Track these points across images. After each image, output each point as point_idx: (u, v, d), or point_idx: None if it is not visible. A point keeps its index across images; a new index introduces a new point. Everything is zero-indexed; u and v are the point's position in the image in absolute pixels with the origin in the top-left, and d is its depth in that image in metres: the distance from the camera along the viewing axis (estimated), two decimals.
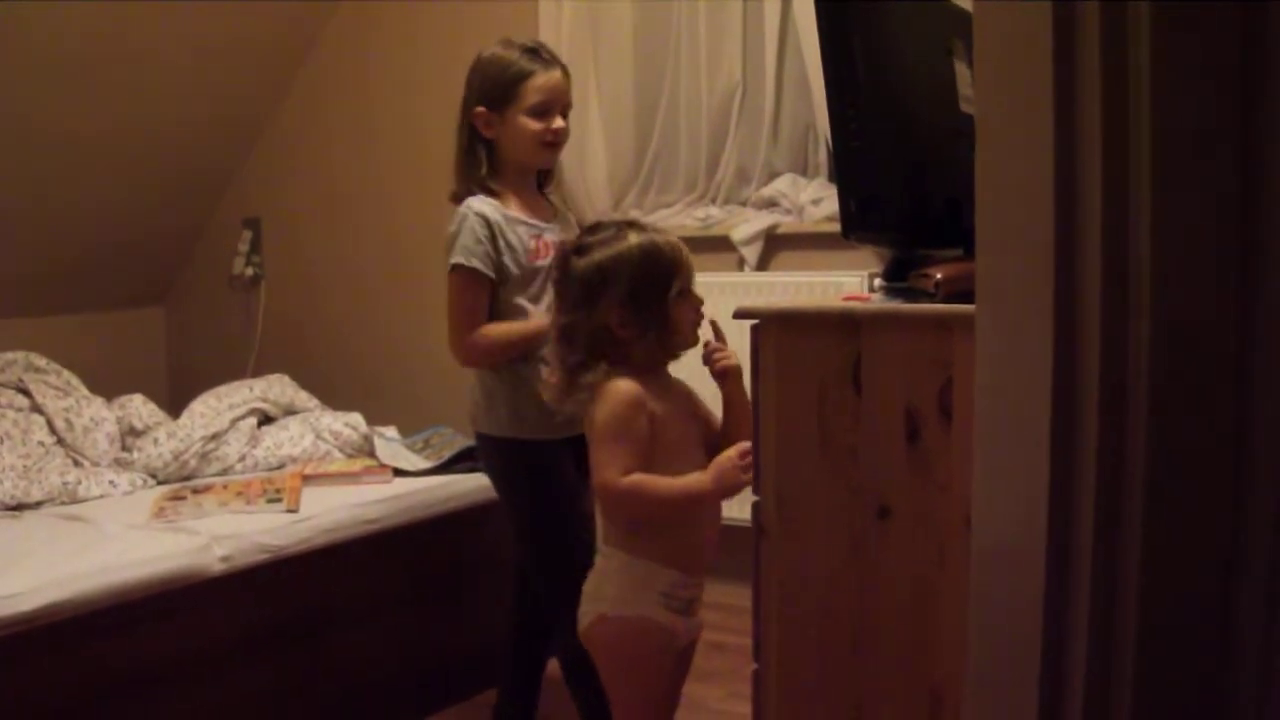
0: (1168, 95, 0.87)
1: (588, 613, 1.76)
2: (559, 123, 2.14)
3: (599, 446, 1.69)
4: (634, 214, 3.45)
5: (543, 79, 2.12)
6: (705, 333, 1.81)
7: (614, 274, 1.70)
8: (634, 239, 1.73)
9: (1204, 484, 0.91)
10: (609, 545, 1.76)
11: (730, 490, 1.68)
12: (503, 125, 2.13)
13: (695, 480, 1.70)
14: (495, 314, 2.12)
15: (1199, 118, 0.88)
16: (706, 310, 1.79)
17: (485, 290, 2.10)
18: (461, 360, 2.15)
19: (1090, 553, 0.90)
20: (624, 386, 1.69)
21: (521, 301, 2.13)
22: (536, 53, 2.15)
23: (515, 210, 2.14)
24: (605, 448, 1.68)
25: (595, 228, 1.81)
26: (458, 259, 2.08)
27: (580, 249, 1.76)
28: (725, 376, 1.82)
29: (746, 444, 1.62)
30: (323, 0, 3.98)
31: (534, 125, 2.11)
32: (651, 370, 1.76)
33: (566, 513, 2.11)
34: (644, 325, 1.71)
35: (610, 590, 1.73)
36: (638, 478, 1.67)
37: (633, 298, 1.70)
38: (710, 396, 1.87)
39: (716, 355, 1.82)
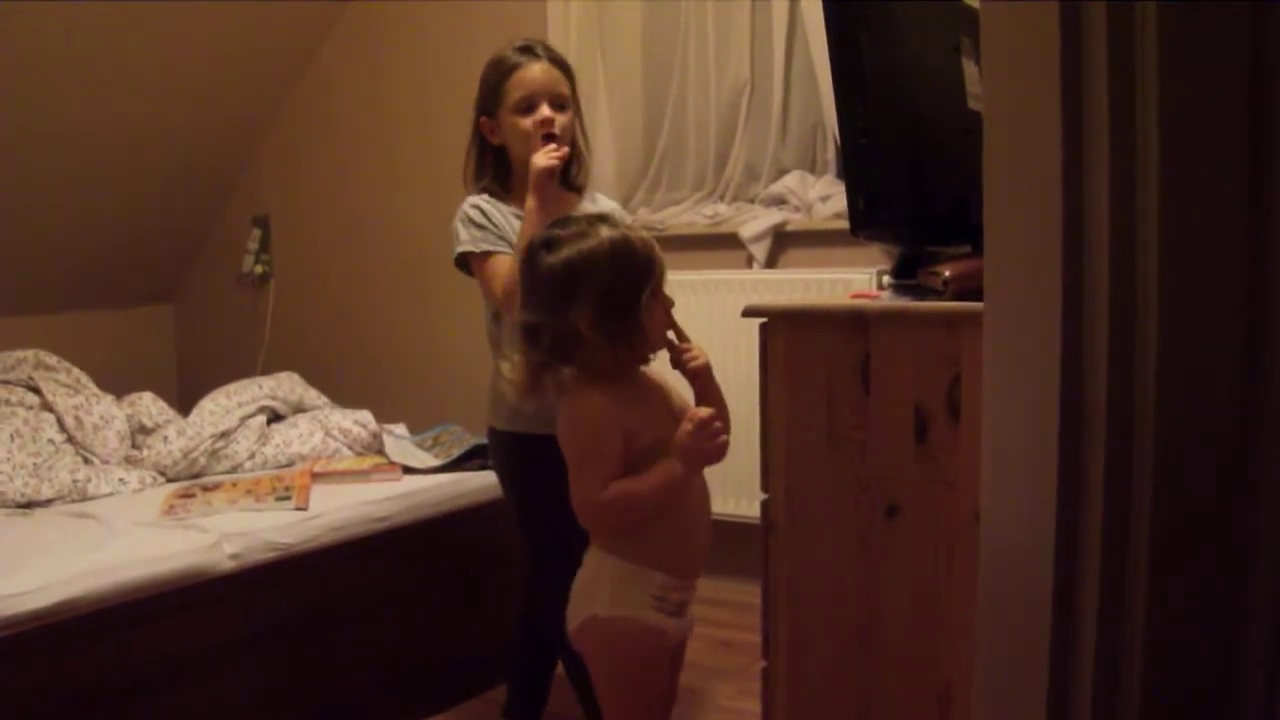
0: (1175, 93, 0.86)
1: (578, 613, 1.71)
2: (544, 113, 2.06)
3: (575, 467, 1.63)
4: (642, 211, 3.45)
5: (520, 73, 2.07)
6: (669, 334, 1.72)
7: (585, 273, 1.58)
8: (606, 234, 1.61)
9: (1213, 480, 0.91)
10: (600, 549, 1.71)
11: (699, 459, 1.61)
12: (500, 129, 2.10)
13: (664, 467, 1.61)
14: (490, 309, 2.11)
15: (1206, 115, 0.88)
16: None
17: (510, 261, 2.01)
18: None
19: (1099, 551, 0.90)
20: (591, 405, 1.61)
21: None
22: (526, 49, 2.11)
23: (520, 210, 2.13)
24: (582, 469, 1.62)
25: (565, 222, 1.68)
26: (465, 249, 2.04)
27: (549, 243, 1.62)
28: (698, 376, 1.75)
29: (695, 412, 1.60)
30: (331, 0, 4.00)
31: (523, 122, 2.06)
32: (621, 374, 1.66)
33: (563, 509, 2.11)
34: (614, 329, 1.59)
35: (603, 592, 1.68)
36: (617, 487, 1.60)
37: (604, 299, 1.58)
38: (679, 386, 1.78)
39: (686, 356, 1.74)
